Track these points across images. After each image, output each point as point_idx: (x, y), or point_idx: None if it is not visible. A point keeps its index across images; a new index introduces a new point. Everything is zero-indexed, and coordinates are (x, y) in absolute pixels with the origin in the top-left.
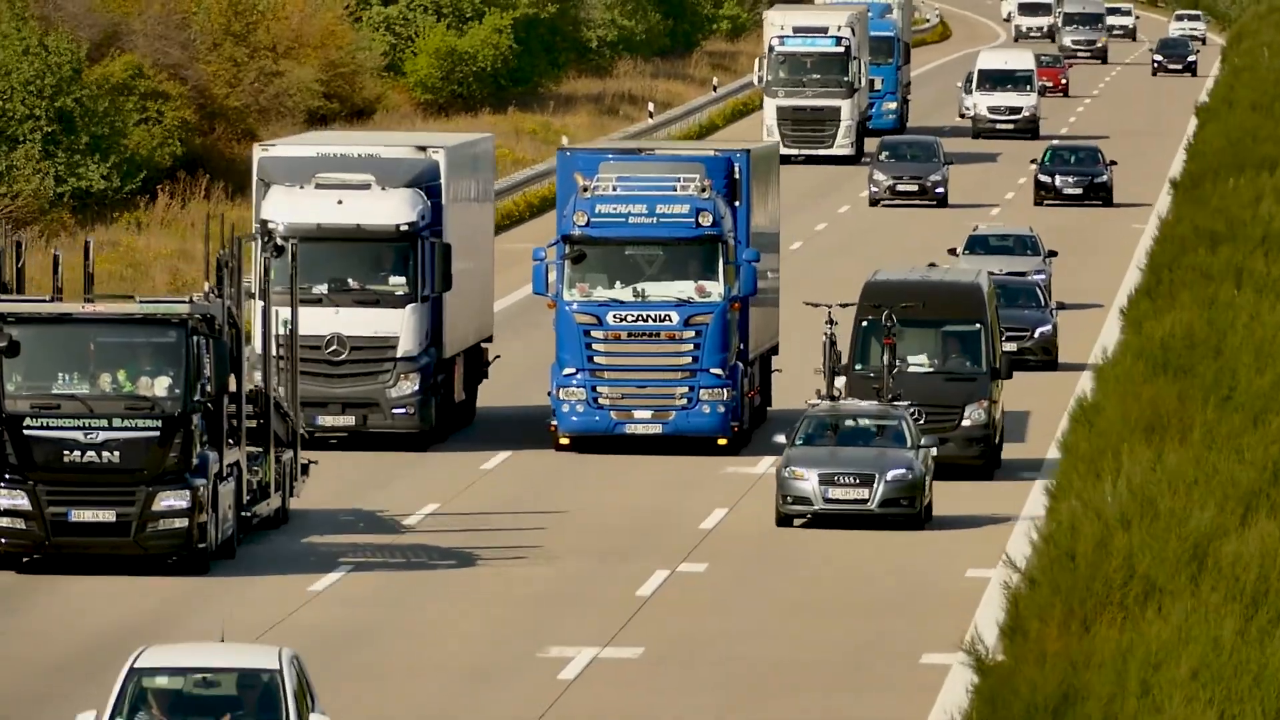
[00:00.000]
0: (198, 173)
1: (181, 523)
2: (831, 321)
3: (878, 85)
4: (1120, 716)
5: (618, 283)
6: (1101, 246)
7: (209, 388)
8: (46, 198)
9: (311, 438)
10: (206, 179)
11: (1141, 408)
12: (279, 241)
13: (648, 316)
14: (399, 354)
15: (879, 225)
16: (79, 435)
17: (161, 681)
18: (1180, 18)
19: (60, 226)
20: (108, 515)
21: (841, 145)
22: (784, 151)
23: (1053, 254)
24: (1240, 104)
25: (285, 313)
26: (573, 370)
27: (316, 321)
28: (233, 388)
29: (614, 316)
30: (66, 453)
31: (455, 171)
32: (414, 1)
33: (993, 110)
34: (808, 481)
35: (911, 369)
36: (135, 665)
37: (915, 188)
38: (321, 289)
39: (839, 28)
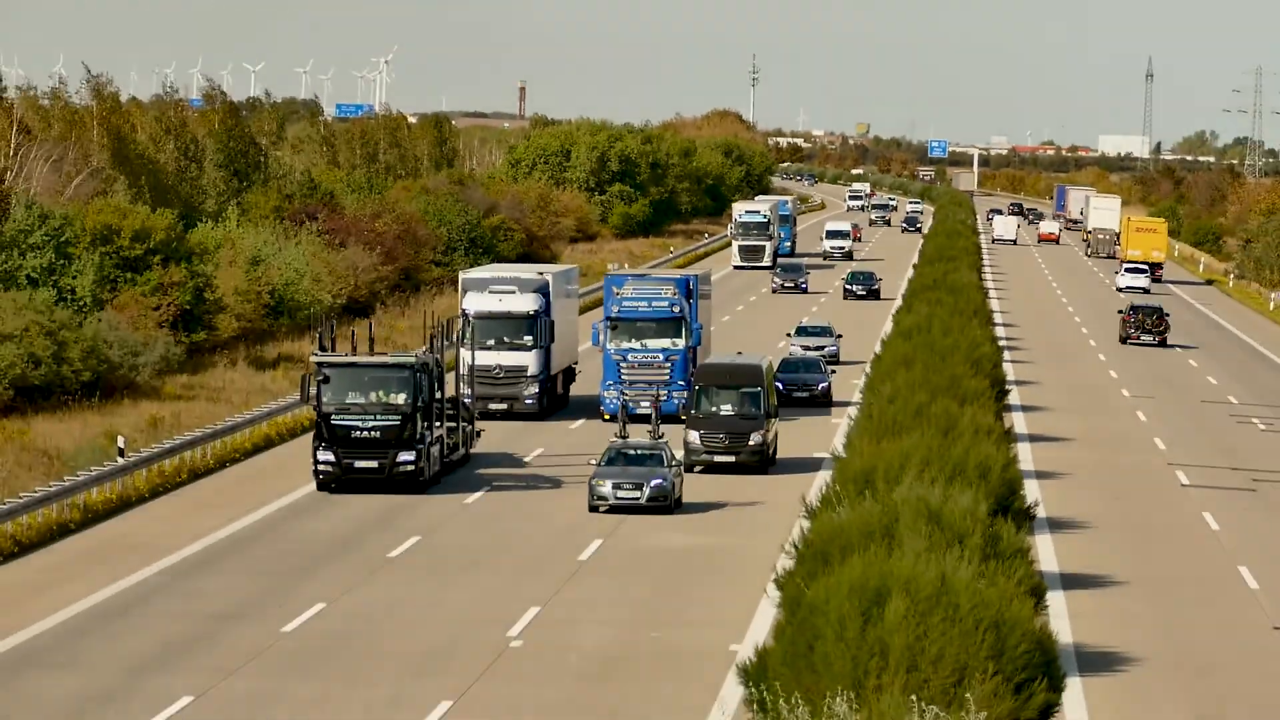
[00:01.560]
0: (529, 264)
1: (411, 468)
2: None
3: (781, 235)
4: (891, 473)
5: (633, 339)
6: (872, 324)
7: (424, 398)
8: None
9: (485, 415)
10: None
11: (901, 353)
12: (470, 320)
13: (647, 356)
14: (528, 374)
15: (773, 306)
16: (359, 422)
17: None
18: (913, 202)
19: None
20: (373, 463)
21: (767, 261)
22: (739, 264)
23: (840, 335)
24: (939, 234)
25: (470, 355)
26: (611, 382)
27: (489, 358)
28: (439, 396)
29: (631, 356)
30: (354, 431)
31: (556, 284)
32: (611, 194)
33: (832, 248)
34: (605, 486)
35: (722, 412)
36: None
37: (793, 285)
38: (491, 342)
39: (764, 210)
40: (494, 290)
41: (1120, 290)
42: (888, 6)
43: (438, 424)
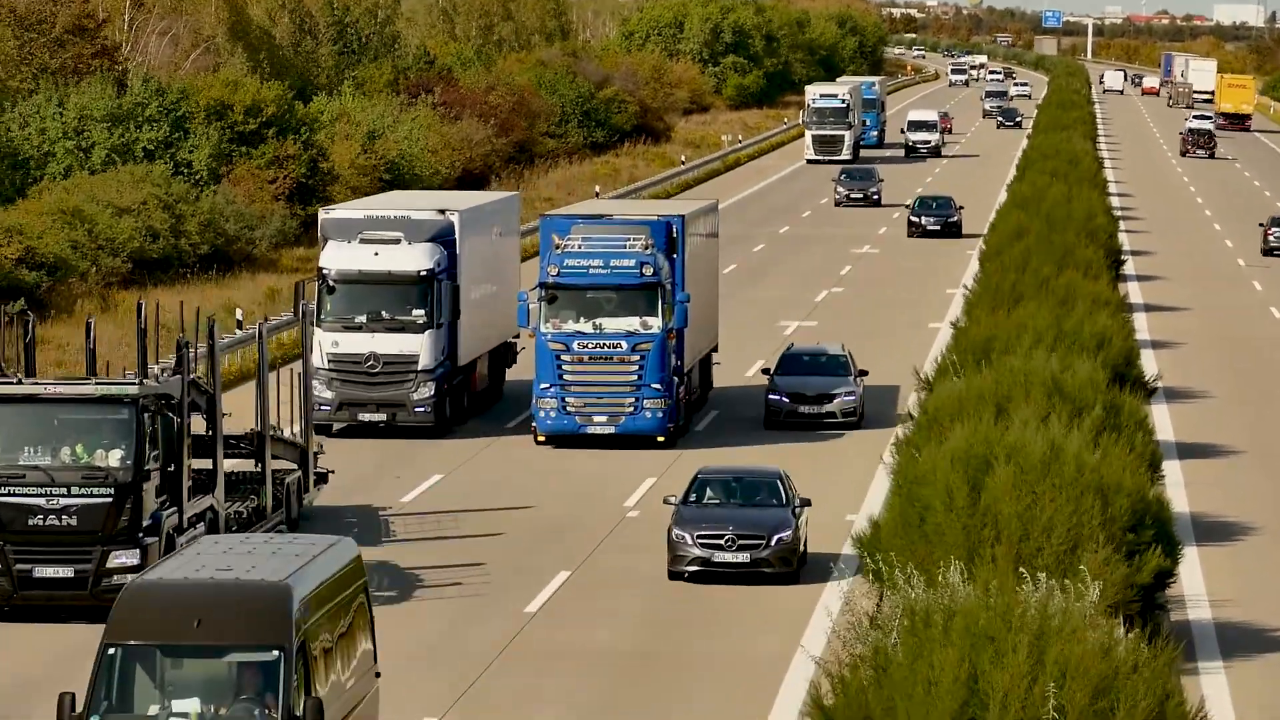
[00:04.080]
0: (642, 135)
1: (133, 576)
2: None
3: (866, 122)
4: (1008, 343)
5: (581, 318)
6: (939, 295)
7: (159, 453)
8: (579, 144)
9: (352, 432)
10: (645, 137)
11: (1015, 224)
12: (330, 283)
13: (604, 344)
14: (419, 367)
15: (830, 226)
16: (41, 501)
17: None
18: (1018, 85)
19: (585, 157)
20: (67, 571)
21: (846, 154)
22: (812, 157)
23: (864, 373)
24: (1053, 105)
25: (330, 338)
26: (547, 385)
27: (358, 342)
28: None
29: (578, 344)
30: (30, 517)
31: (469, 227)
32: (725, 65)
33: (915, 141)
34: None
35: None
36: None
37: (861, 196)
38: (361, 318)
39: (843, 94)
40: (367, 239)
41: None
42: None
43: (197, 491)
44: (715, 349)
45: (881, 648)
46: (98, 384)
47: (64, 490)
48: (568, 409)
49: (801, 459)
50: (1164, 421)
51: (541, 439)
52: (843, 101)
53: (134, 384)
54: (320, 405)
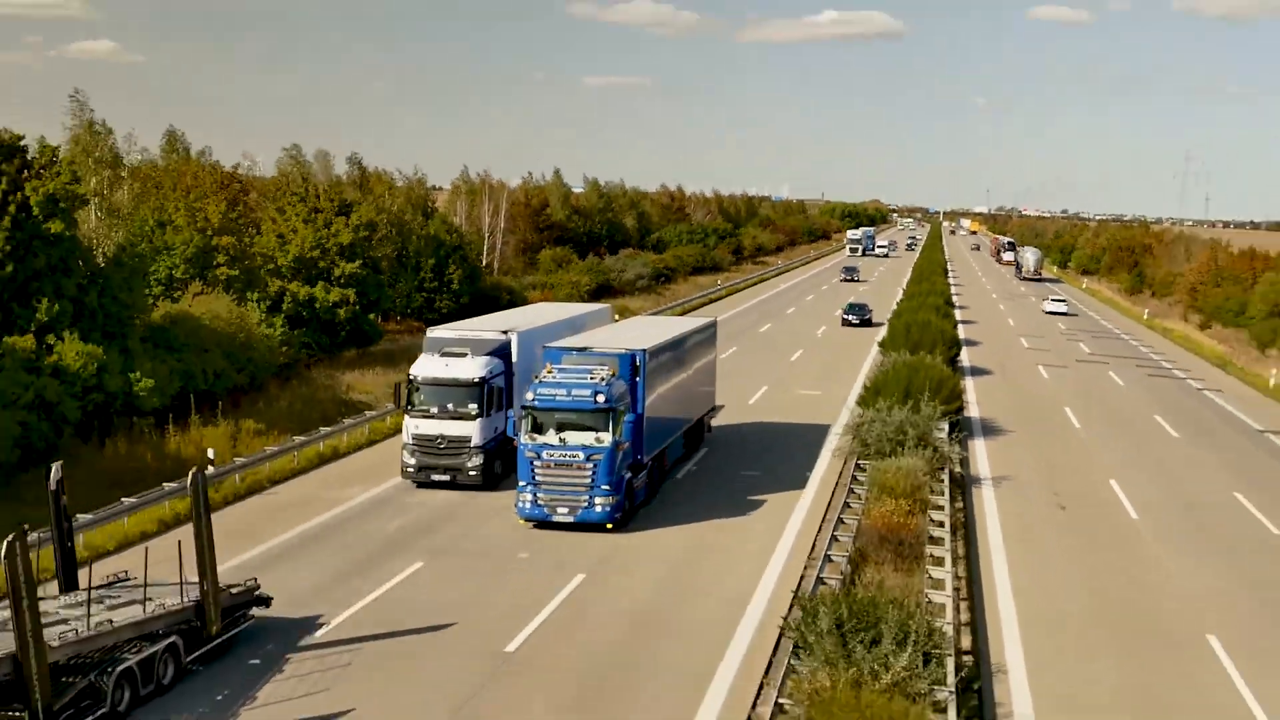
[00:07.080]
0: (826, 237)
1: None
2: None
3: (867, 243)
4: (918, 296)
5: (551, 432)
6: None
7: None
8: (808, 239)
9: (427, 485)
10: (827, 237)
11: (918, 272)
12: (416, 385)
13: (566, 454)
14: (472, 444)
15: (838, 294)
16: None
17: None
18: (915, 235)
19: (808, 241)
20: None
21: (860, 254)
22: (847, 255)
23: None
24: (933, 235)
25: (414, 422)
26: (524, 483)
27: (431, 426)
28: None
29: (547, 453)
30: None
31: (525, 342)
32: (848, 221)
33: (879, 252)
34: None
35: None
36: None
37: (851, 279)
38: (435, 409)
39: (860, 235)
40: (445, 353)
41: (953, 231)
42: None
43: None
44: (713, 409)
45: (884, 371)
46: None
47: None
48: (539, 502)
49: (720, 533)
50: (963, 320)
51: (521, 523)
52: (859, 236)
53: None
54: (406, 467)
